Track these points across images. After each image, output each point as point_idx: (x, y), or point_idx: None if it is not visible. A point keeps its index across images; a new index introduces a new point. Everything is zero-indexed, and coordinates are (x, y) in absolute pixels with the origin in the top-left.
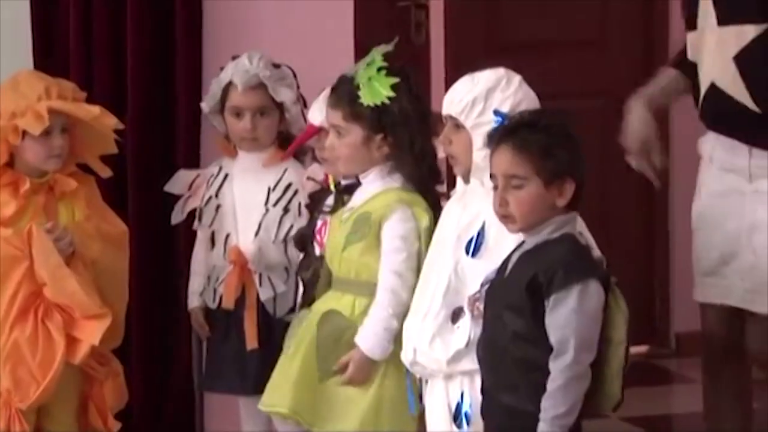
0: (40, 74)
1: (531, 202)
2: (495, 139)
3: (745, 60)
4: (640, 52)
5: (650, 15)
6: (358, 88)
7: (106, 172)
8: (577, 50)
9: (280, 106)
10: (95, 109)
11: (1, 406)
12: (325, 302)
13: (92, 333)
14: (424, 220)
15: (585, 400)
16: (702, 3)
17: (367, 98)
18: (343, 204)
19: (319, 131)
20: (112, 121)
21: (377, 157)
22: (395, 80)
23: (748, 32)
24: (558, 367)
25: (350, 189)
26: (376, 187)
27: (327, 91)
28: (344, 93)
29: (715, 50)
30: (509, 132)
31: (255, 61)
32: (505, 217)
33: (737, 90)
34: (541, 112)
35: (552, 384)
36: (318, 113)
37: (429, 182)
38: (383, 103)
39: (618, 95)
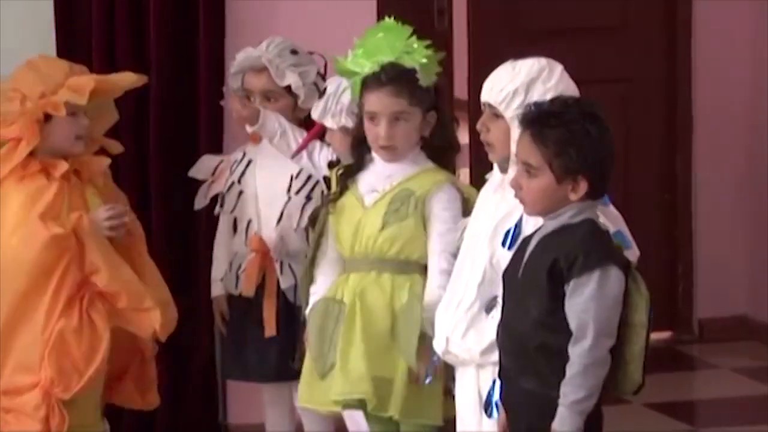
0: (54, 57)
1: (542, 192)
2: (523, 121)
3: None
4: (663, 39)
5: (673, 1)
6: (413, 72)
7: (117, 148)
8: (599, 36)
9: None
10: (124, 75)
11: (42, 396)
12: (358, 283)
13: (142, 327)
14: (473, 194)
15: (606, 383)
16: None
17: (427, 79)
18: (346, 188)
19: (325, 129)
20: (132, 78)
21: (422, 135)
22: (443, 54)
23: None
24: (577, 353)
25: (352, 171)
26: (411, 168)
27: (331, 88)
28: (403, 80)
29: None
30: (533, 119)
31: (266, 45)
32: (519, 199)
33: None
34: (572, 103)
35: (571, 369)
36: (322, 111)
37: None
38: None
39: (640, 81)
